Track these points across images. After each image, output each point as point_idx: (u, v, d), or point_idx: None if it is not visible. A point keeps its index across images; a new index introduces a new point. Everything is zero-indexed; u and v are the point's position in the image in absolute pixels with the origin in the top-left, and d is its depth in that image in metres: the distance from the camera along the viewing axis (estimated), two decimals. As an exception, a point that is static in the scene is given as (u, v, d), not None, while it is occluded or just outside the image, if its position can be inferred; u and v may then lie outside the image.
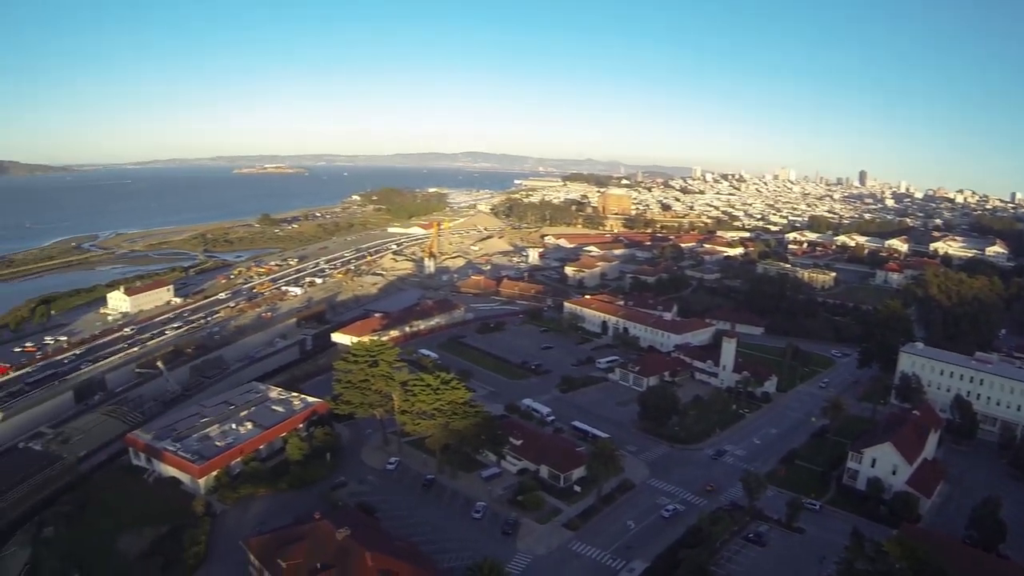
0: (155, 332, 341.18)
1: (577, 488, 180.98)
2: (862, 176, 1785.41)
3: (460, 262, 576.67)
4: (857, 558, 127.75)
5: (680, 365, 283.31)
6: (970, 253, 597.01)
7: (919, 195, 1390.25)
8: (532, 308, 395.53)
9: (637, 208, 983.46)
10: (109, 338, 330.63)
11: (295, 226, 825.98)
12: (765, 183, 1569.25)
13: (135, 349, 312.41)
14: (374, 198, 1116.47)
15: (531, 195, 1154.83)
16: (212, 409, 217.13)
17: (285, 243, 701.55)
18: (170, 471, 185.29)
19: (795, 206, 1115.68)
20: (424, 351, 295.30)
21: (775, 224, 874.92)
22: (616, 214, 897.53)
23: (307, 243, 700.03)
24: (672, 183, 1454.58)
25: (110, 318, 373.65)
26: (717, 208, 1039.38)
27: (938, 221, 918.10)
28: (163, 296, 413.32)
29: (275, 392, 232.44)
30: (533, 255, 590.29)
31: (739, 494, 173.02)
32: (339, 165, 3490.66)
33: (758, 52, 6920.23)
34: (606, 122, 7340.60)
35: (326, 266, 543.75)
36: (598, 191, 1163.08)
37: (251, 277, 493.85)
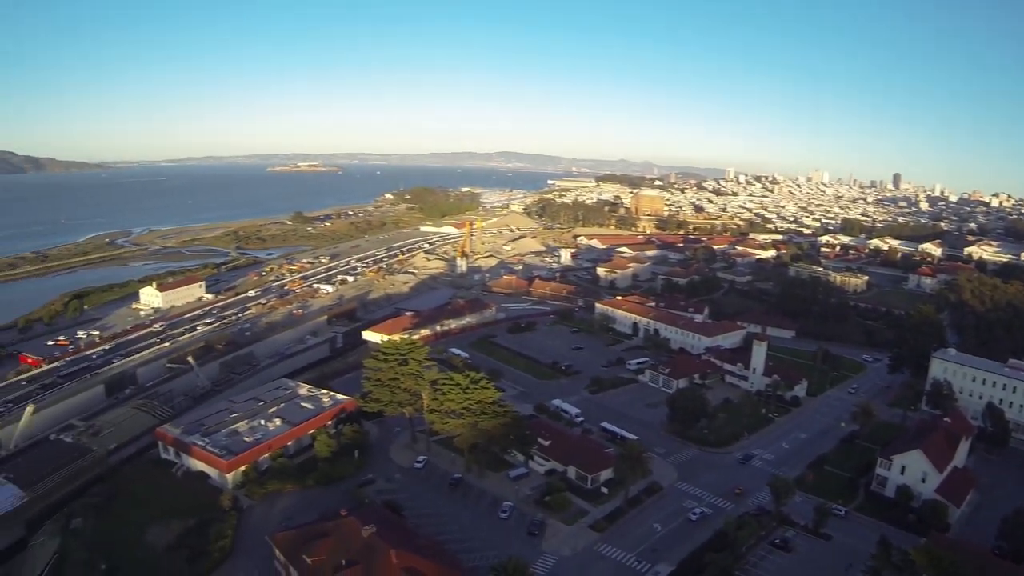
0: (186, 328, 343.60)
1: (604, 490, 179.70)
2: (896, 179, 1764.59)
3: (492, 262, 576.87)
4: (884, 566, 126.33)
5: (710, 368, 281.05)
6: (1005, 258, 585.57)
7: (954, 198, 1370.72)
8: (563, 308, 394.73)
9: (670, 209, 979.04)
10: (140, 333, 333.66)
11: (327, 224, 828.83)
12: (798, 185, 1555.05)
13: (166, 344, 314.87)
14: (407, 197, 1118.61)
15: (564, 195, 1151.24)
16: (241, 405, 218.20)
17: (317, 241, 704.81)
18: (198, 465, 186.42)
19: (828, 209, 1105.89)
20: (455, 350, 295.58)
21: (808, 227, 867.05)
22: (649, 215, 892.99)
23: (339, 241, 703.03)
24: (705, 184, 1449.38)
25: (142, 313, 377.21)
26: (750, 210, 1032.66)
27: (973, 225, 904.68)
28: (195, 292, 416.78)
29: (304, 389, 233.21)
30: (565, 255, 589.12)
31: (767, 499, 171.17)
32: (372, 164, 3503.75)
33: (793, 54, 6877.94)
34: (640, 123, 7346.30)
35: (358, 264, 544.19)
36: (631, 192, 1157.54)
37: (283, 274, 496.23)
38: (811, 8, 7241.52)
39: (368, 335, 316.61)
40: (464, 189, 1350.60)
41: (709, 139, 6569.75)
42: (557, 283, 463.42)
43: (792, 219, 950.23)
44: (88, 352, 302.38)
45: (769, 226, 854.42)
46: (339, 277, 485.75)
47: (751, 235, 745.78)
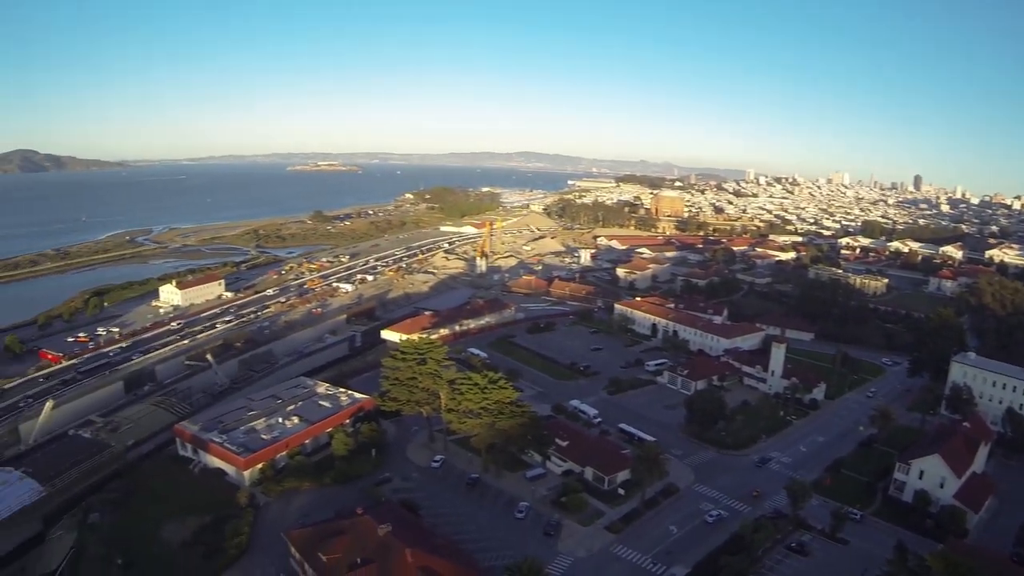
0: (205, 325, 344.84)
1: (621, 491, 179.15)
2: (917, 181, 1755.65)
3: (512, 262, 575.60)
4: (900, 572, 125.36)
5: (729, 369, 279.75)
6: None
7: (975, 201, 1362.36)
8: (582, 309, 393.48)
9: (690, 210, 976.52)
10: (160, 330, 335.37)
11: (347, 223, 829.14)
12: (818, 187, 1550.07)
13: (185, 342, 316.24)
14: (427, 196, 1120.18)
15: (584, 196, 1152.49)
16: (259, 403, 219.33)
17: (337, 240, 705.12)
18: (216, 462, 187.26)
19: (848, 211, 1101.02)
20: (473, 350, 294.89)
21: (828, 229, 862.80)
22: (668, 216, 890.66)
23: (359, 240, 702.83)
24: (725, 186, 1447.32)
25: (162, 311, 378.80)
26: (770, 212, 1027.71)
27: (994, 228, 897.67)
28: (214, 290, 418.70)
29: (323, 387, 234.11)
30: (585, 256, 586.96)
31: (783, 502, 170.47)
32: (392, 163, 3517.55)
33: (814, 56, 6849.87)
34: (660, 124, 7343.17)
35: (377, 263, 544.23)
36: (651, 193, 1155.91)
37: (302, 273, 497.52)
38: (832, 8, 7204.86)
39: (387, 334, 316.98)
40: (484, 189, 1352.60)
41: (729, 140, 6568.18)
42: (576, 283, 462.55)
43: (812, 221, 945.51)
44: (107, 349, 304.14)
45: (789, 228, 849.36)
46: (358, 276, 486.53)
47: (771, 237, 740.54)
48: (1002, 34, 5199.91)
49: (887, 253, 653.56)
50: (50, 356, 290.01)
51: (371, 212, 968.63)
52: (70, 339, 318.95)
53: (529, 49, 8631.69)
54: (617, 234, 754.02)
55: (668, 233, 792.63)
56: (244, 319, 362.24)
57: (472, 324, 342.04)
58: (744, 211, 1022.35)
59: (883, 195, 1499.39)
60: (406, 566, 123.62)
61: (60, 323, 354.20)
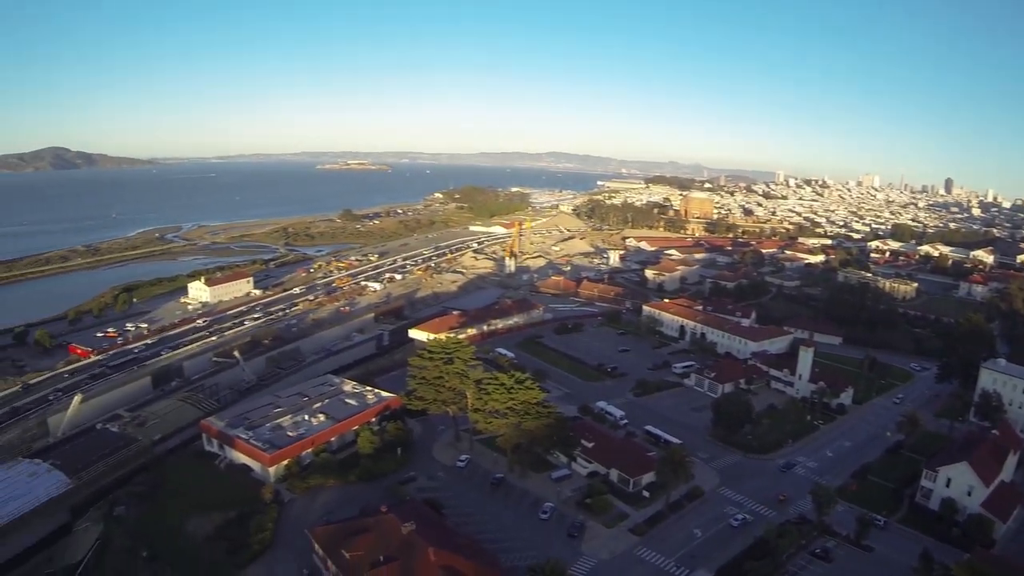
0: (233, 322, 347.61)
1: (646, 493, 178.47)
2: (948, 184, 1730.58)
3: (541, 262, 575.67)
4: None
5: (756, 373, 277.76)
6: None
7: (1007, 204, 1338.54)
8: (610, 310, 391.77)
9: (719, 212, 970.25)
10: (188, 327, 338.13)
11: (376, 222, 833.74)
12: (848, 189, 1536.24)
13: (213, 338, 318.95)
14: (456, 196, 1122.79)
15: (613, 197, 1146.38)
16: (286, 400, 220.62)
17: (366, 239, 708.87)
18: (241, 458, 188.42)
19: (878, 214, 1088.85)
20: (501, 350, 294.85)
21: (857, 232, 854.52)
22: (698, 218, 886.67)
23: (388, 239, 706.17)
24: (755, 188, 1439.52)
25: (190, 307, 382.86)
26: (799, 214, 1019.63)
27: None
28: (243, 287, 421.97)
29: (349, 385, 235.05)
30: (614, 257, 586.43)
31: (808, 507, 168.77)
32: (422, 163, 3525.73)
33: (844, 57, 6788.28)
34: (690, 125, 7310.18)
35: (406, 263, 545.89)
36: (680, 194, 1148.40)
37: (331, 271, 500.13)
38: (864, 9, 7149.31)
39: (415, 333, 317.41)
40: (513, 189, 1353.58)
41: (759, 142, 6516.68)
42: (605, 285, 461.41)
43: (842, 224, 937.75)
44: (136, 344, 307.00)
45: (818, 230, 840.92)
46: (387, 275, 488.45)
47: (800, 239, 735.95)
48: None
49: (917, 257, 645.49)
50: (79, 351, 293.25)
51: (400, 211, 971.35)
52: (99, 334, 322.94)
53: (562, 51, 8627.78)
54: (646, 235, 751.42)
55: (697, 235, 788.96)
56: (272, 316, 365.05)
57: (500, 324, 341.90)
58: (773, 213, 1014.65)
59: (913, 198, 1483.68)
60: (429, 565, 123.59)
61: (90, 318, 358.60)
